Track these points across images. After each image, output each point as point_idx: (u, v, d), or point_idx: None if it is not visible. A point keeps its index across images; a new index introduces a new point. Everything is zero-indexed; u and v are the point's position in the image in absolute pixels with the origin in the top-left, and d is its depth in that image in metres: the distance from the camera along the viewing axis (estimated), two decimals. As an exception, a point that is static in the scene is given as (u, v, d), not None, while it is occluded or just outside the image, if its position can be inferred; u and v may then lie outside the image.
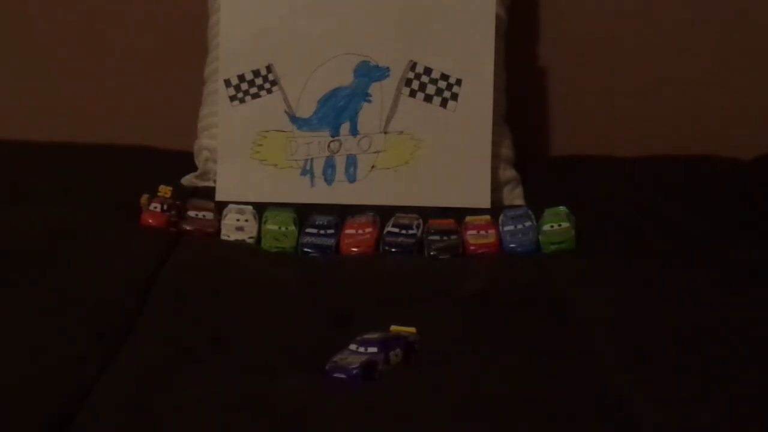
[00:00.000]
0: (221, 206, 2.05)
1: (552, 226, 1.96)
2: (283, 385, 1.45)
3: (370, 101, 2.13)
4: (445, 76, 2.13)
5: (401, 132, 2.13)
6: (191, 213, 2.02)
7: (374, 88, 2.13)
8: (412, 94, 2.13)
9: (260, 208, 2.03)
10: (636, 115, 2.45)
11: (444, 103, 2.13)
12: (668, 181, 2.24)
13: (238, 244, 1.96)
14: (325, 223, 1.99)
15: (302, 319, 1.67)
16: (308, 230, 1.98)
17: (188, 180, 2.20)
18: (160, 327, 1.62)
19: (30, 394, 1.41)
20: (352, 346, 1.52)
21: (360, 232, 1.98)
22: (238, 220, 2.00)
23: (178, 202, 2.02)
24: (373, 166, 2.13)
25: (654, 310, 1.69)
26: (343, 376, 1.46)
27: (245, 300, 1.73)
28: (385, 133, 2.13)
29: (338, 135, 2.13)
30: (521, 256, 1.92)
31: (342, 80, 2.13)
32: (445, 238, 1.96)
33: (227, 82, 2.14)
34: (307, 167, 2.13)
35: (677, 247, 1.94)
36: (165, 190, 2.03)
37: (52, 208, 2.01)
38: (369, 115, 2.13)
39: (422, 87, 2.13)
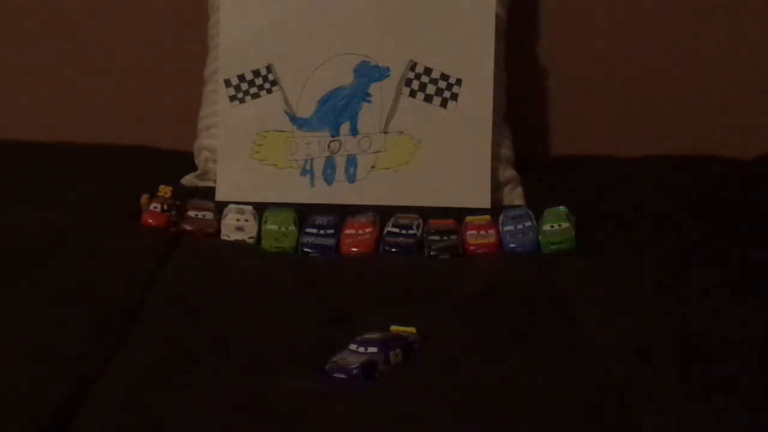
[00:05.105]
0: (221, 206, 2.05)
1: (552, 226, 1.96)
2: (284, 385, 1.45)
3: (370, 101, 2.13)
4: (445, 76, 2.13)
5: (401, 132, 2.13)
6: (191, 213, 2.02)
7: (374, 88, 2.13)
8: (412, 94, 2.13)
9: (260, 208, 2.03)
10: (636, 115, 2.45)
11: (444, 103, 2.13)
12: (668, 181, 2.23)
13: (238, 244, 1.96)
14: (325, 223, 1.99)
15: (302, 319, 1.67)
16: (308, 230, 1.98)
17: (188, 180, 2.20)
18: (160, 327, 1.62)
19: (30, 394, 1.41)
20: (352, 346, 1.52)
21: (360, 232, 1.98)
22: (238, 220, 2.00)
23: (178, 202, 2.02)
24: (373, 166, 2.13)
25: (654, 310, 1.69)
26: (343, 376, 1.46)
27: (245, 300, 1.73)
28: (385, 133, 2.13)
29: (338, 135, 2.13)
30: (521, 256, 1.92)
31: (342, 80, 2.13)
32: (445, 238, 1.96)
33: (227, 82, 2.14)
34: (307, 167, 2.13)
35: (677, 247, 1.94)
36: (165, 190, 2.03)
37: (52, 208, 2.01)
38: (369, 115, 2.13)
39: (422, 87, 2.13)
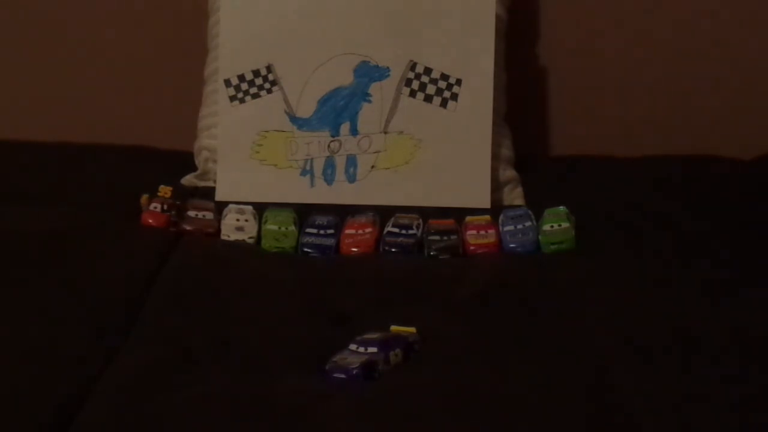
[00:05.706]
0: (221, 206, 2.05)
1: (552, 226, 1.96)
2: (283, 385, 1.45)
3: (370, 101, 2.13)
4: (445, 76, 2.13)
5: (401, 132, 2.13)
6: (191, 213, 2.02)
7: (374, 88, 2.13)
8: (412, 94, 2.13)
9: (260, 208, 2.03)
10: (636, 115, 2.45)
11: (444, 103, 2.13)
12: (668, 181, 2.23)
13: (238, 244, 1.96)
14: (325, 223, 1.99)
15: (302, 319, 1.67)
16: (308, 230, 1.98)
17: (188, 180, 2.20)
18: (160, 327, 1.62)
19: (30, 394, 1.41)
20: (352, 346, 1.52)
21: (360, 232, 1.98)
22: (238, 220, 2.00)
23: (178, 202, 2.03)
24: (373, 166, 2.13)
25: (654, 310, 1.69)
26: (343, 376, 1.46)
27: (245, 300, 1.73)
28: (385, 133, 2.13)
29: (338, 135, 2.13)
30: (521, 256, 1.92)
31: (342, 80, 2.13)
32: (445, 238, 1.96)
33: (227, 82, 2.14)
34: (307, 167, 2.13)
35: (677, 247, 1.94)
36: (165, 190, 2.03)
37: (52, 208, 2.01)
38: (369, 115, 2.13)
39: (422, 87, 2.13)
